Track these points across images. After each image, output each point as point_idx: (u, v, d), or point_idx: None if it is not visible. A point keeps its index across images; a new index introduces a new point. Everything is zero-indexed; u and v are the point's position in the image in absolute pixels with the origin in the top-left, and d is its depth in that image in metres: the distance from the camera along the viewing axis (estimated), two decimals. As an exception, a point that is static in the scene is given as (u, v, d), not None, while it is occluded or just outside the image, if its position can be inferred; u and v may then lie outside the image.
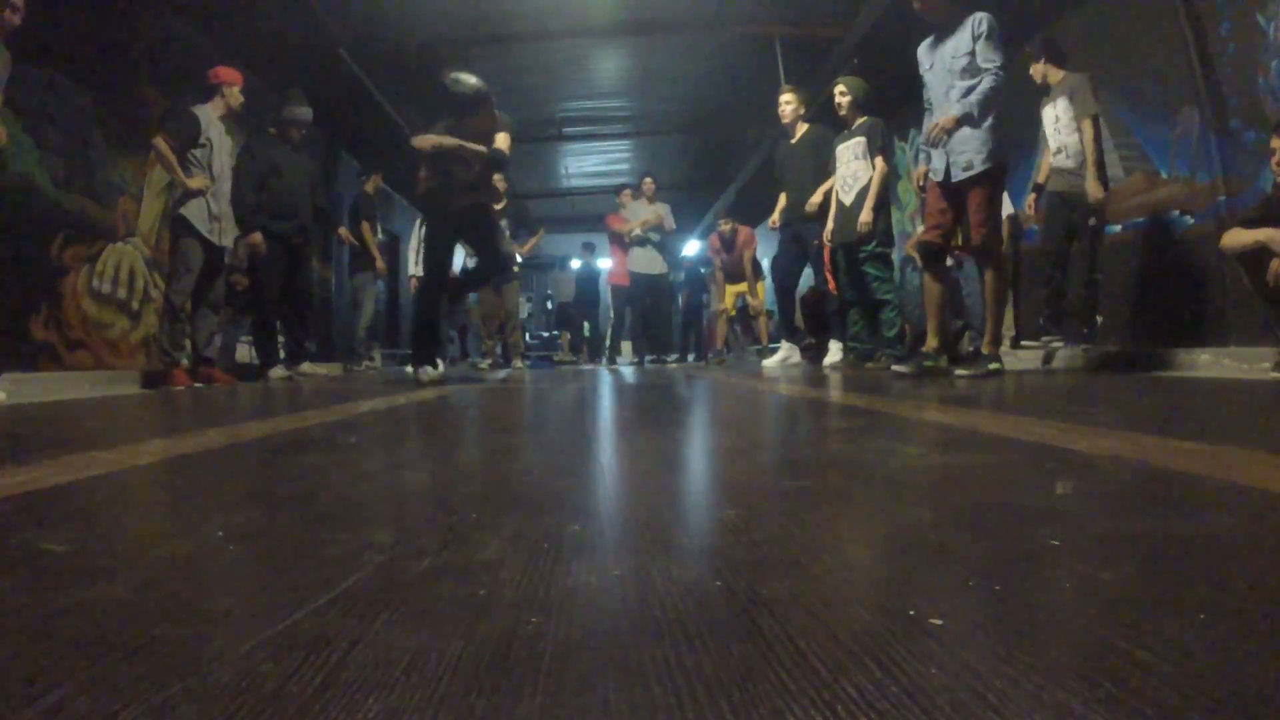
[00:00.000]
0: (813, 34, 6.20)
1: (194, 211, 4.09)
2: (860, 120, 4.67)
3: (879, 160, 4.57)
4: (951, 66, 3.40)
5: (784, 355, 5.75)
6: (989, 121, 3.28)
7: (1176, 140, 4.20)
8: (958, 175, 3.39)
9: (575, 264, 10.51)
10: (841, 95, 4.68)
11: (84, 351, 4.25)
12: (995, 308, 3.46)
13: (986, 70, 3.25)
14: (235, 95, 4.31)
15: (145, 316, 4.85)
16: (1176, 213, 4.24)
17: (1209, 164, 3.97)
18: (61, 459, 1.19)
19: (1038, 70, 4.34)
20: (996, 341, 3.45)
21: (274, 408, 2.47)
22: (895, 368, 3.94)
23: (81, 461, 1.16)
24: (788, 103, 5.17)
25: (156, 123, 4.17)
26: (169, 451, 1.28)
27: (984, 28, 3.29)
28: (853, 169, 4.68)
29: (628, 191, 7.21)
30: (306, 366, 5.06)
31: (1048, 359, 4.24)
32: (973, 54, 3.32)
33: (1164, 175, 4.33)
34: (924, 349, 3.70)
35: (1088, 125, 4.01)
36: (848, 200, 4.70)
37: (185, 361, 4.13)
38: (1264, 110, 3.60)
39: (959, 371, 3.43)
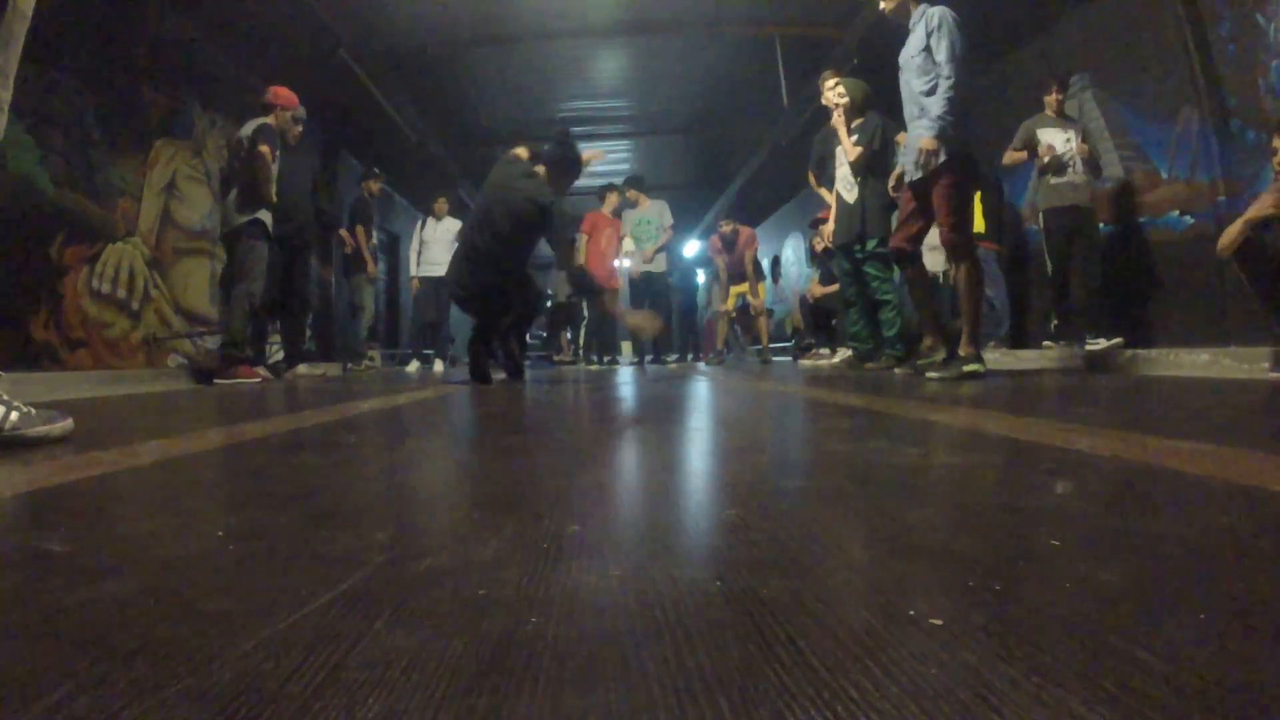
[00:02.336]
0: (813, 34, 6.21)
1: (268, 216, 4.38)
2: (859, 120, 4.67)
3: (858, 149, 4.57)
4: (909, 65, 3.32)
5: (838, 358, 5.49)
6: (938, 111, 3.16)
7: (1176, 140, 4.21)
8: (916, 174, 3.31)
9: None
10: (840, 97, 4.67)
11: (84, 351, 4.25)
12: (969, 306, 3.30)
13: (941, 74, 3.17)
14: (285, 118, 4.57)
15: (145, 316, 4.85)
16: (1176, 213, 4.25)
17: (1209, 164, 3.98)
18: (62, 459, 1.19)
19: (1056, 100, 4.67)
20: (974, 342, 3.27)
21: (274, 408, 2.47)
22: (898, 370, 3.94)
23: (81, 461, 1.16)
24: (832, 87, 4.78)
25: (258, 134, 4.37)
26: (169, 451, 1.28)
27: (935, 22, 3.19)
28: (849, 169, 4.68)
29: (615, 193, 7.21)
30: (303, 368, 5.06)
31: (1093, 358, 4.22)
32: (928, 50, 3.22)
33: (1164, 175, 4.33)
34: (922, 347, 3.68)
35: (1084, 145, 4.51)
36: (850, 199, 4.70)
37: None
38: (1264, 110, 3.60)
39: (931, 374, 3.26)
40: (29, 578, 0.57)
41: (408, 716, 0.33)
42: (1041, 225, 4.69)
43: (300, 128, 4.95)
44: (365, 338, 7.01)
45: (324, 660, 0.39)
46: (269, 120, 4.45)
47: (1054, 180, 4.56)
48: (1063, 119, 4.65)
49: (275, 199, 4.39)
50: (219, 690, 0.36)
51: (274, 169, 4.39)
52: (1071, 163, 4.52)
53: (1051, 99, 4.64)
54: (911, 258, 3.52)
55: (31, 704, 0.34)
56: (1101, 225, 4.73)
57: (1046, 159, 4.54)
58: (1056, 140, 4.57)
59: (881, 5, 3.49)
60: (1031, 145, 4.64)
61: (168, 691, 0.36)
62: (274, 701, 0.35)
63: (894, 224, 4.90)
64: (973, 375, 3.14)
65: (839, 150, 4.77)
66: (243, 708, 0.34)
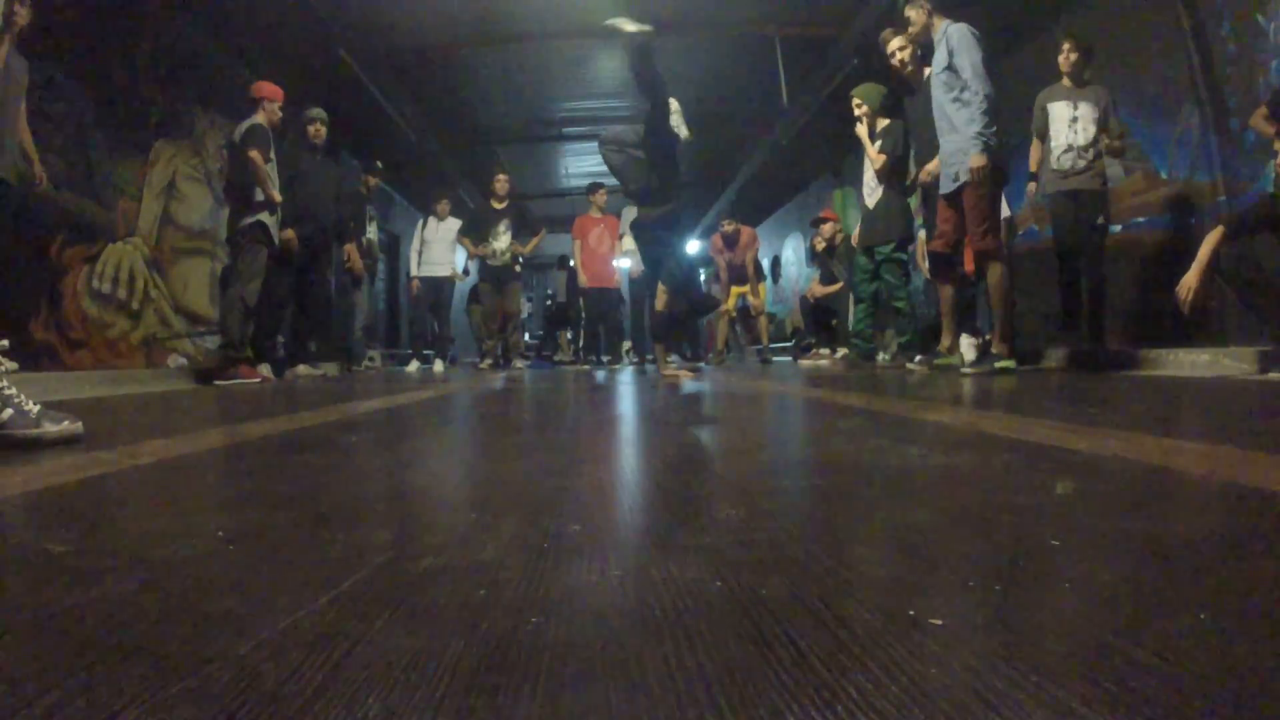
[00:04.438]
0: (813, 34, 6.21)
1: (269, 219, 4.37)
2: (885, 124, 4.70)
3: (882, 155, 4.61)
4: (936, 80, 3.53)
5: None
6: (976, 128, 3.34)
7: (1176, 140, 4.20)
8: (949, 186, 3.52)
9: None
10: (858, 107, 4.72)
11: (84, 351, 4.25)
12: (1001, 307, 3.50)
13: (971, 90, 3.33)
14: (275, 111, 4.55)
15: (145, 316, 4.85)
16: (1177, 213, 4.25)
17: (1209, 164, 3.97)
18: (62, 459, 1.19)
19: (1067, 61, 4.09)
20: (1006, 339, 3.47)
21: (274, 408, 2.47)
22: (910, 365, 4.01)
23: (82, 461, 1.16)
24: (900, 48, 4.14)
25: (246, 137, 4.34)
26: (169, 451, 1.28)
27: (955, 41, 3.39)
28: (873, 173, 4.73)
29: (603, 191, 7.18)
30: (303, 369, 5.06)
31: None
32: (950, 67, 3.42)
33: (1164, 175, 4.33)
34: (939, 348, 3.77)
35: (1106, 136, 4.03)
36: (871, 203, 4.76)
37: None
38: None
39: (965, 370, 3.48)
40: (29, 578, 0.57)
41: (408, 716, 0.33)
42: (1049, 213, 4.30)
43: (322, 127, 4.97)
44: (360, 338, 6.96)
45: (324, 660, 0.39)
46: (259, 119, 4.43)
47: (1056, 162, 4.07)
48: (1077, 86, 4.07)
49: (279, 198, 4.38)
50: (219, 690, 0.36)
51: (270, 169, 4.37)
52: (1074, 146, 4.03)
53: (1062, 59, 4.08)
54: (947, 262, 3.71)
55: (31, 704, 0.34)
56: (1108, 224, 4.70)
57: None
58: (1062, 117, 4.06)
59: (910, 30, 3.70)
60: (1043, 129, 4.16)
61: (168, 691, 0.36)
62: (274, 701, 0.35)
63: (915, 228, 4.94)
64: (1005, 371, 3.33)
65: (864, 156, 4.86)
66: (243, 708, 0.34)
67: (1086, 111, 4.02)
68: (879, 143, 4.66)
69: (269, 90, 4.55)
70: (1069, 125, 4.06)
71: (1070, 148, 4.04)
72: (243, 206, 4.36)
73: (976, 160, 3.34)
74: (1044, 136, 4.17)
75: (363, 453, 1.32)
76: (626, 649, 0.40)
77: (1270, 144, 3.29)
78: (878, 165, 4.63)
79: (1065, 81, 4.10)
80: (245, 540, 0.66)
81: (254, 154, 4.26)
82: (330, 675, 0.37)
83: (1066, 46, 4.08)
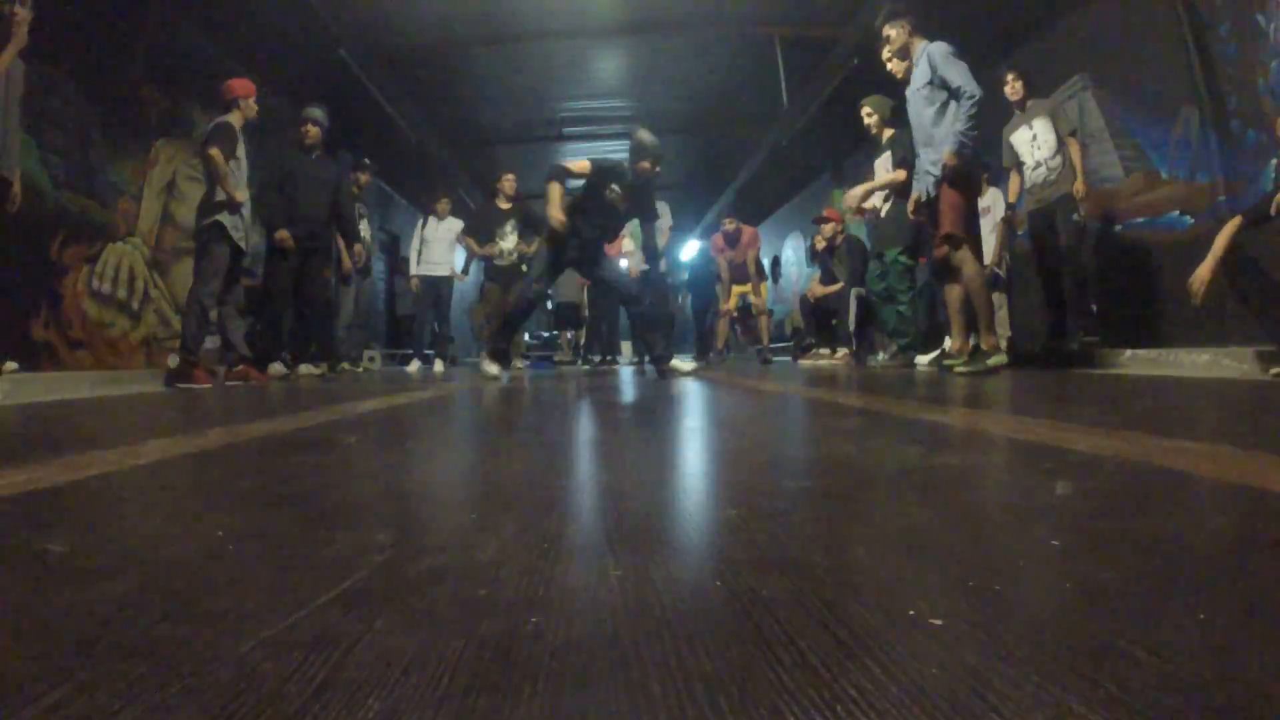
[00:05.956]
0: (813, 34, 6.21)
1: (229, 219, 4.19)
2: (889, 134, 4.76)
3: (900, 171, 4.68)
4: (916, 96, 3.65)
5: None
6: (960, 127, 3.41)
7: (1176, 140, 4.21)
8: (932, 191, 3.62)
9: None
10: (868, 116, 4.82)
11: (84, 351, 4.25)
12: (980, 301, 3.56)
13: (963, 95, 3.41)
14: (251, 107, 4.39)
15: (145, 316, 4.85)
16: (1176, 213, 4.25)
17: (1209, 164, 3.98)
18: (62, 459, 1.19)
19: (1014, 91, 4.56)
20: (991, 332, 3.55)
21: (274, 408, 2.47)
22: (920, 358, 4.04)
23: (81, 461, 1.16)
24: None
25: (206, 135, 4.20)
26: (169, 451, 1.28)
27: (939, 58, 3.49)
28: (884, 181, 4.80)
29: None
30: (305, 368, 5.06)
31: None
32: (932, 83, 3.52)
33: (1164, 175, 4.33)
34: (948, 350, 3.80)
35: (1073, 141, 4.37)
36: (884, 212, 4.85)
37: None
38: (1264, 110, 3.60)
39: (959, 370, 3.51)
40: (28, 578, 0.57)
41: (408, 716, 0.33)
42: (1030, 230, 4.73)
43: (314, 128, 4.91)
44: (341, 337, 6.86)
45: (324, 660, 0.39)
46: (229, 118, 4.26)
47: (1030, 180, 4.56)
48: (1026, 111, 4.55)
49: (241, 198, 4.20)
50: (219, 690, 0.36)
51: (235, 167, 4.21)
52: (1042, 162, 4.47)
53: (1008, 89, 4.54)
54: (950, 269, 3.76)
55: (31, 704, 0.34)
56: (1099, 225, 4.73)
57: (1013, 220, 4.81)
58: (1024, 140, 4.55)
59: (885, 51, 3.76)
60: (1013, 161, 4.68)
61: (168, 691, 0.36)
62: (274, 701, 0.35)
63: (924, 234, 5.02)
64: (998, 367, 3.41)
65: (877, 165, 4.96)
66: (243, 708, 0.34)
67: (1041, 126, 4.46)
68: (891, 159, 4.77)
69: (241, 88, 4.34)
70: (1031, 145, 4.52)
71: (1039, 164, 4.49)
72: (206, 206, 4.19)
73: (949, 158, 3.43)
74: (1017, 166, 4.67)
75: (363, 452, 1.32)
76: (626, 649, 0.40)
77: (1272, 144, 3.29)
78: (898, 180, 4.73)
79: (1015, 110, 4.61)
80: (245, 540, 0.66)
81: (213, 151, 4.07)
82: (330, 675, 0.37)
83: (1010, 77, 4.56)
